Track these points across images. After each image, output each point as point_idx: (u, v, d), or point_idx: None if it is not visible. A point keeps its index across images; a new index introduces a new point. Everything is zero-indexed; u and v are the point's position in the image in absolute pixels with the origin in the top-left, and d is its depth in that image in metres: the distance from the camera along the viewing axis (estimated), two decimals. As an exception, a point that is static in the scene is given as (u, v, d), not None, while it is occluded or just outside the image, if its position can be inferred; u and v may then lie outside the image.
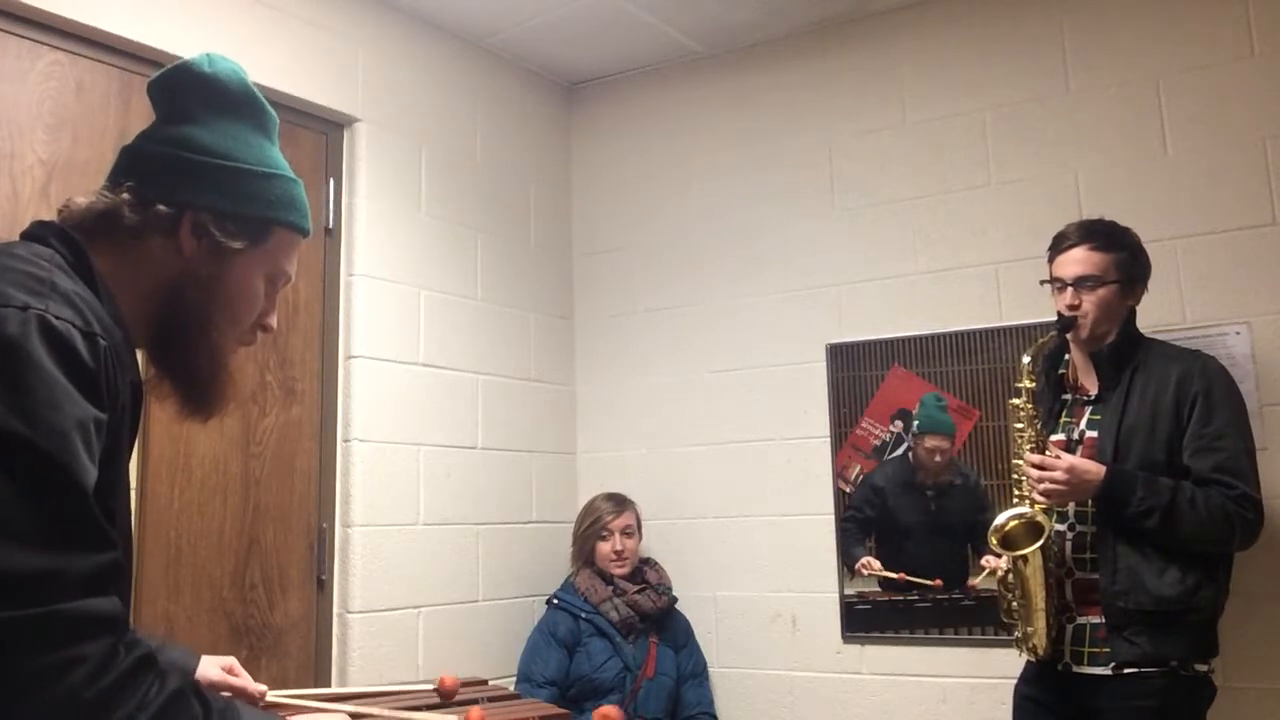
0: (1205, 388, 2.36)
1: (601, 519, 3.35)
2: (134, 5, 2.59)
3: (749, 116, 3.63)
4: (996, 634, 2.94)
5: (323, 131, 3.08)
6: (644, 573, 3.38)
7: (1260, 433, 2.65)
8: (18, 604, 0.94)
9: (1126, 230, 2.50)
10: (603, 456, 3.75)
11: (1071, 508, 2.44)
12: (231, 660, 1.71)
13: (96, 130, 2.55)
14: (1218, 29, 2.94)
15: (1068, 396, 2.56)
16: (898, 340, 3.26)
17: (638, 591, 3.28)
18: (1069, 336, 2.50)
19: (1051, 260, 2.53)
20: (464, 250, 3.42)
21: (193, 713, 1.05)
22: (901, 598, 3.18)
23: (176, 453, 2.64)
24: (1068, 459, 2.35)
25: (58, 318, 1.03)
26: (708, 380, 3.59)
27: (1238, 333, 2.82)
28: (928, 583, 3.14)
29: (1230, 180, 2.88)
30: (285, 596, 2.85)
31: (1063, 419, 2.54)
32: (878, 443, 3.27)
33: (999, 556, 2.46)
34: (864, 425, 3.29)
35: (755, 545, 3.43)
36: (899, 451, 3.24)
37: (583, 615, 3.22)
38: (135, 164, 1.23)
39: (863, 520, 3.27)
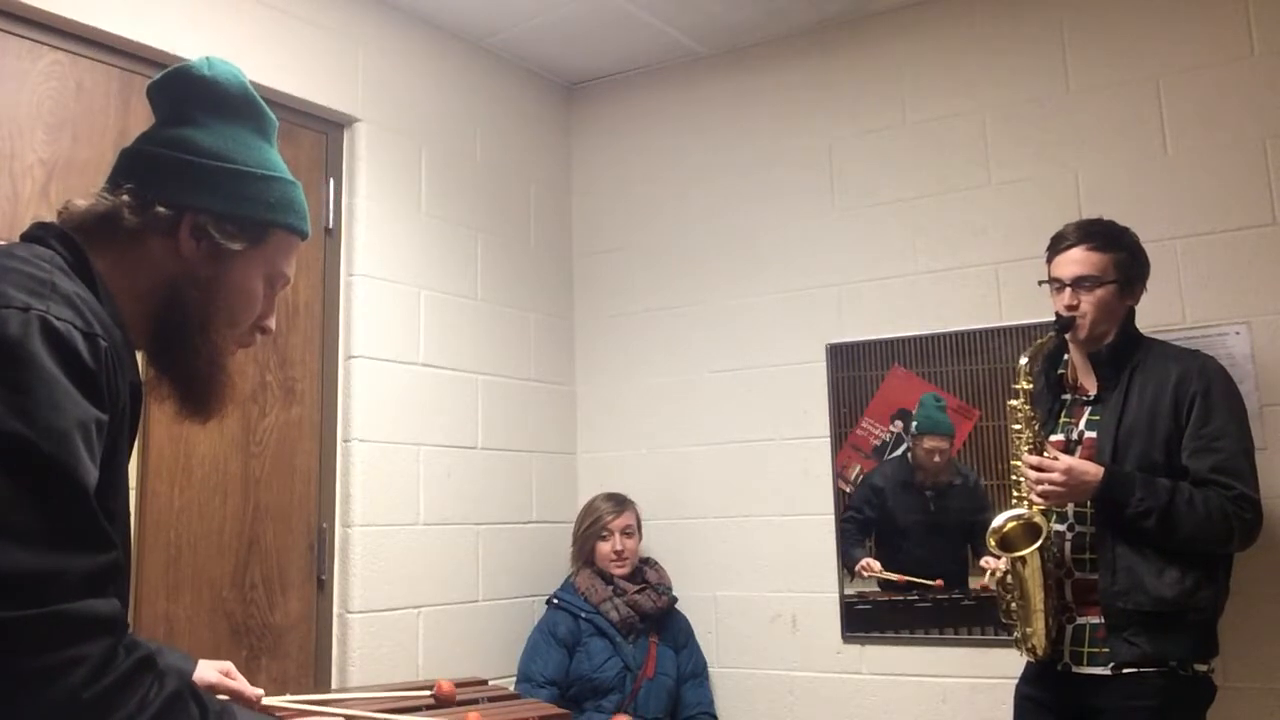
0: (1204, 388, 2.36)
1: (601, 519, 3.35)
2: (134, 5, 2.59)
3: (749, 116, 3.63)
4: (996, 634, 2.94)
5: (323, 131, 3.08)
6: (644, 573, 3.38)
7: (1260, 433, 2.65)
8: (18, 604, 0.94)
9: (1125, 230, 2.50)
10: (603, 456, 3.75)
11: (1071, 508, 2.44)
12: (228, 664, 1.72)
13: (96, 130, 2.55)
14: (1218, 29, 2.94)
15: (1067, 397, 2.55)
16: (898, 340, 3.27)
17: (638, 591, 3.28)
18: (1067, 337, 2.50)
19: (1050, 260, 2.53)
20: (464, 250, 3.42)
21: (190, 714, 1.05)
22: (901, 598, 3.18)
23: (176, 453, 2.64)
24: (1066, 460, 2.35)
25: (59, 318, 1.03)
26: (708, 380, 3.59)
27: (1238, 333, 2.82)
28: (929, 582, 3.15)
29: (1230, 180, 2.88)
30: (285, 596, 2.85)
31: (1062, 419, 2.53)
32: (878, 443, 3.27)
33: (998, 558, 2.46)
34: (864, 425, 3.29)
35: (755, 545, 3.43)
36: (899, 452, 3.24)
37: (583, 615, 3.22)
38: (135, 166, 1.24)
39: (862, 520, 3.27)
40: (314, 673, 2.88)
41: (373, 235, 3.11)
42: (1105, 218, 2.54)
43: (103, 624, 0.99)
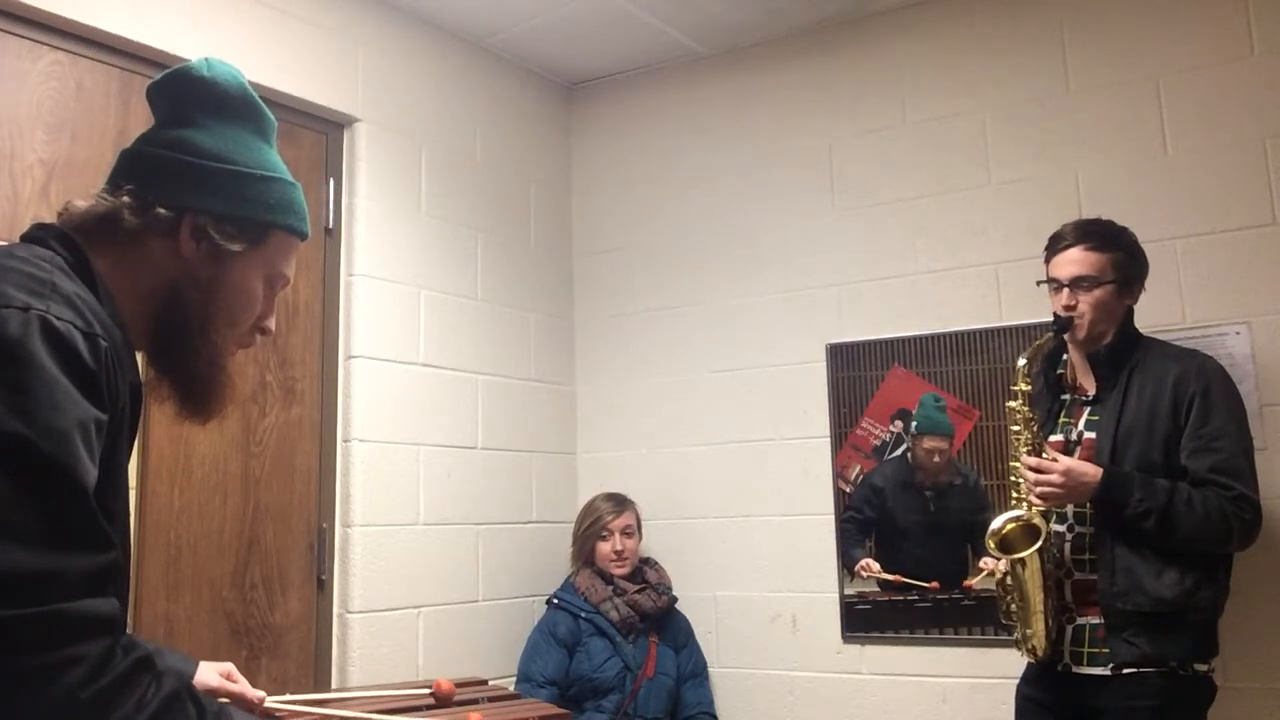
0: (1203, 388, 2.36)
1: (601, 519, 3.35)
2: (134, 5, 2.59)
3: (749, 116, 3.63)
4: (996, 634, 2.94)
5: (323, 131, 3.09)
6: (644, 572, 3.38)
7: (1260, 433, 2.65)
8: (17, 603, 0.94)
9: (1123, 230, 2.50)
10: (603, 456, 3.75)
11: (1070, 509, 2.44)
12: (229, 666, 1.72)
13: (96, 130, 2.55)
14: (1218, 29, 2.94)
15: (1066, 397, 2.55)
16: (898, 340, 3.27)
17: (638, 591, 3.29)
18: (1066, 337, 2.50)
19: (1048, 260, 2.53)
20: (464, 250, 3.42)
21: (188, 715, 1.05)
22: (901, 598, 3.18)
23: (176, 453, 2.64)
24: (1064, 462, 2.35)
25: (59, 319, 1.03)
26: (708, 380, 3.59)
27: (1238, 333, 2.82)
28: (925, 585, 3.15)
29: (1230, 180, 2.88)
30: (285, 596, 2.85)
31: (1061, 419, 2.53)
32: (878, 443, 3.27)
33: (997, 560, 2.46)
34: (864, 425, 3.29)
35: (755, 545, 3.43)
36: (899, 452, 3.24)
37: (583, 615, 3.22)
38: (135, 167, 1.24)
39: (862, 521, 3.27)
40: (314, 673, 2.88)
41: (373, 235, 3.11)
42: (1104, 217, 2.54)
43: (101, 624, 0.99)
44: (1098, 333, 2.46)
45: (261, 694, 1.73)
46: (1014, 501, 2.44)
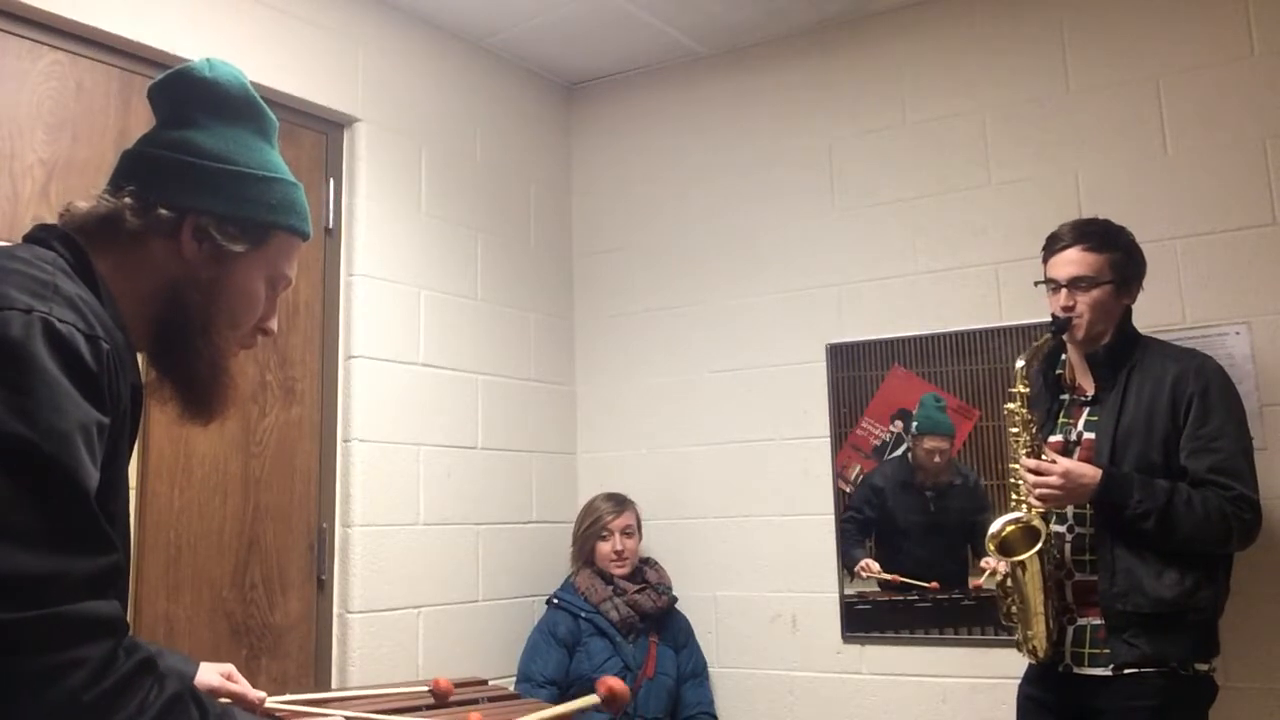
0: (1202, 388, 2.36)
1: (601, 519, 3.35)
2: (134, 5, 2.59)
3: (749, 116, 3.63)
4: (996, 634, 2.94)
5: (323, 131, 3.08)
6: (644, 572, 3.38)
7: (1260, 433, 2.65)
8: (19, 605, 0.94)
9: (1121, 229, 2.49)
10: (603, 456, 3.75)
11: (1070, 509, 2.44)
12: (230, 667, 1.72)
13: (96, 130, 2.55)
14: (1218, 29, 2.94)
15: (1065, 397, 2.55)
16: (898, 340, 3.27)
17: (638, 591, 3.29)
18: (1065, 338, 2.50)
19: (1045, 261, 2.52)
20: (464, 250, 3.42)
21: (191, 717, 1.05)
22: (901, 598, 3.18)
23: (176, 453, 2.64)
24: (1063, 463, 2.35)
25: (61, 320, 1.03)
26: (708, 380, 3.59)
27: (1238, 333, 2.82)
28: (925, 585, 3.15)
29: (1230, 180, 2.88)
30: (285, 596, 2.85)
31: (1060, 420, 2.53)
32: (878, 443, 3.27)
33: (998, 562, 2.46)
34: (864, 425, 3.29)
35: (755, 545, 3.43)
36: (899, 452, 3.24)
37: (583, 615, 3.22)
38: (137, 168, 1.23)
39: (862, 521, 3.27)
40: (314, 673, 2.88)
41: (373, 235, 3.11)
42: (1103, 217, 2.54)
43: (103, 626, 0.99)
44: (1096, 333, 2.46)
45: (262, 694, 1.74)
46: (1013, 503, 2.44)
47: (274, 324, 1.34)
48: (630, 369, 3.74)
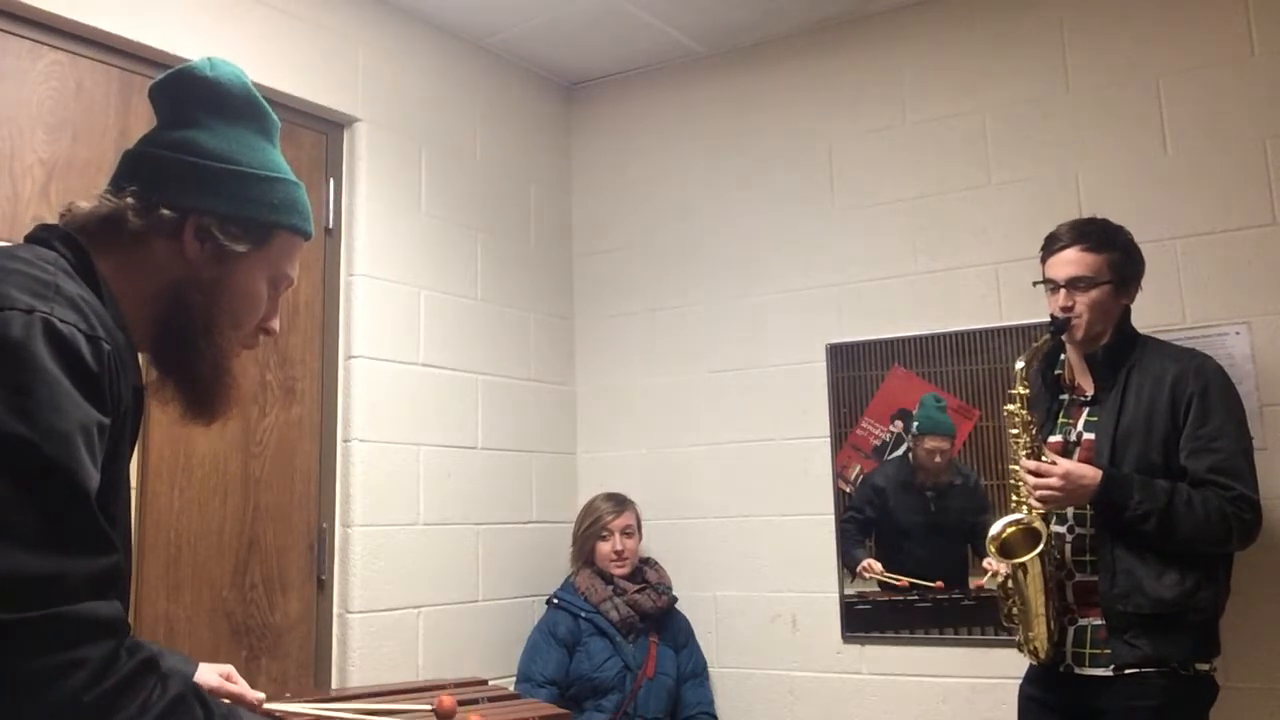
0: (1201, 388, 2.36)
1: (601, 519, 3.35)
2: (134, 5, 2.59)
3: (749, 117, 3.63)
4: (996, 634, 2.94)
5: (323, 131, 3.08)
6: (644, 572, 3.38)
7: (1260, 433, 2.65)
8: (20, 606, 0.93)
9: (1119, 229, 2.49)
10: (603, 456, 3.75)
11: (1071, 510, 2.43)
12: (229, 668, 1.72)
13: (96, 130, 2.54)
14: (1218, 29, 2.94)
15: (1065, 397, 2.55)
16: (898, 340, 3.27)
17: (638, 591, 3.28)
18: (1064, 338, 2.50)
19: (1044, 261, 2.52)
20: (464, 250, 3.42)
21: (195, 717, 1.05)
22: (901, 598, 3.18)
23: (176, 453, 2.64)
24: (1063, 465, 2.35)
25: (62, 321, 1.03)
26: (708, 380, 3.59)
27: (1237, 333, 2.82)
28: (930, 584, 3.15)
29: (1230, 180, 2.88)
30: (285, 596, 2.85)
31: (1060, 420, 2.53)
32: (878, 443, 3.27)
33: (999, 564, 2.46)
34: (864, 425, 3.29)
35: (755, 545, 3.43)
36: (899, 452, 3.24)
37: (583, 615, 3.22)
38: (138, 168, 1.23)
39: (863, 521, 3.27)
40: (314, 673, 2.88)
41: (373, 235, 3.11)
42: (1100, 217, 2.54)
43: (104, 626, 0.99)
44: (1095, 333, 2.45)
45: (260, 696, 1.74)
46: (1014, 504, 2.44)
47: (276, 324, 1.34)
48: (630, 369, 3.74)
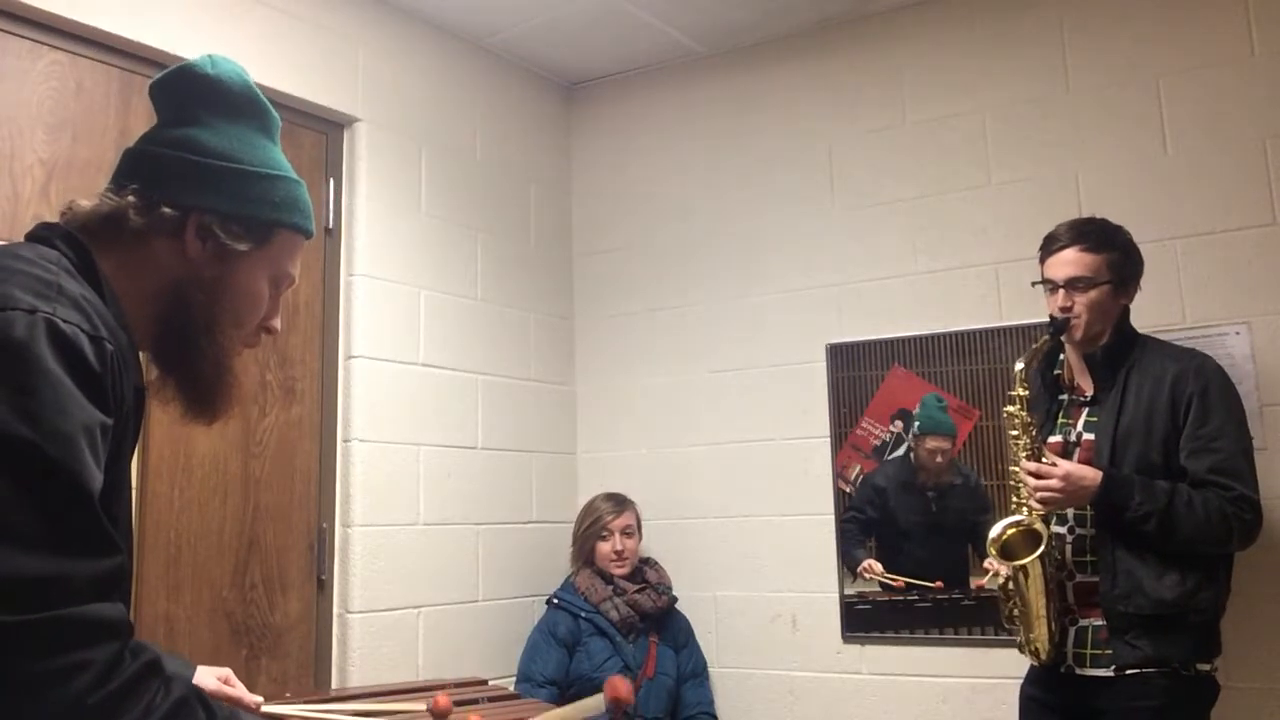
0: (1201, 388, 2.35)
1: (601, 519, 3.35)
2: (134, 5, 2.59)
3: (749, 117, 3.63)
4: (996, 634, 2.94)
5: (323, 131, 3.08)
6: (644, 572, 3.38)
7: (1260, 433, 2.65)
8: (23, 608, 0.93)
9: (1118, 229, 2.49)
10: (603, 456, 3.75)
11: (1071, 511, 2.43)
12: (227, 671, 1.72)
13: (96, 130, 2.54)
14: (1218, 29, 2.95)
15: (1064, 397, 2.55)
16: (898, 340, 3.27)
17: (638, 591, 3.28)
18: (1063, 338, 2.49)
19: (1043, 261, 2.52)
20: (464, 250, 3.42)
21: (198, 719, 1.05)
22: (901, 598, 3.18)
23: (176, 453, 2.63)
24: (1064, 466, 2.34)
25: (65, 321, 1.02)
26: (708, 380, 3.59)
27: (1237, 333, 2.82)
28: (930, 585, 3.15)
29: (1230, 180, 2.88)
30: (285, 596, 2.84)
31: (1060, 420, 2.53)
32: (878, 443, 3.27)
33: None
34: (864, 425, 3.29)
35: (755, 545, 3.43)
36: (899, 452, 3.24)
37: (583, 615, 3.22)
38: (139, 166, 1.22)
39: (864, 521, 3.27)
40: (314, 673, 2.88)
41: (373, 235, 3.11)
42: (1099, 217, 2.53)
43: (108, 628, 0.98)
44: (1094, 333, 2.45)
45: (259, 699, 1.73)
46: (1014, 506, 2.44)
47: (278, 323, 1.33)
48: (630, 369, 3.74)
